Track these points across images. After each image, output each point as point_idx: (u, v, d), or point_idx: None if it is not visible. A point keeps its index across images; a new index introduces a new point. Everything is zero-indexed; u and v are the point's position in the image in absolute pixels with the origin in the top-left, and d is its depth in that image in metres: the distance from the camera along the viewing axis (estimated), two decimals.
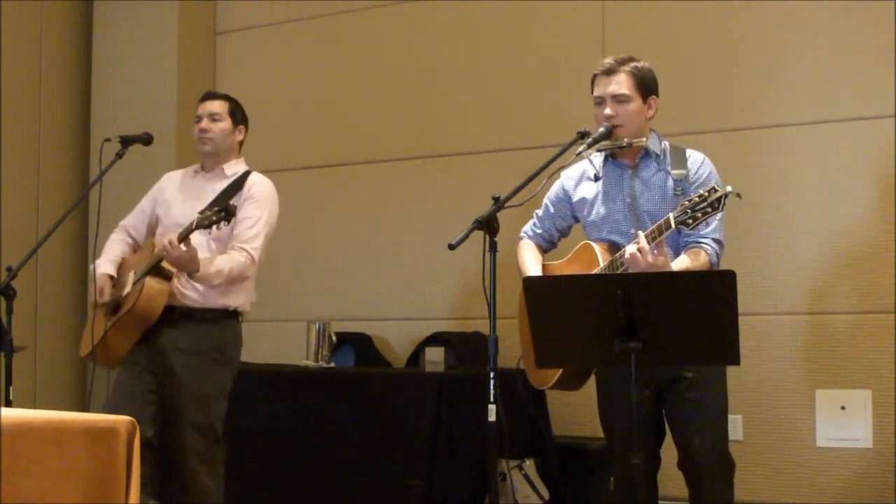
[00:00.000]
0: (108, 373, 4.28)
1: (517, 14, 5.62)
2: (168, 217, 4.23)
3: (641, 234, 3.32)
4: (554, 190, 3.78)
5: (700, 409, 3.42)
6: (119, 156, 4.13)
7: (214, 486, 4.10)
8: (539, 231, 3.83)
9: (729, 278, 2.97)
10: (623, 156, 3.60)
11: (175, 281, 4.05)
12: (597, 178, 3.63)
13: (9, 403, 3.82)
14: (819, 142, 4.90)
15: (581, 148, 3.47)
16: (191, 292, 4.08)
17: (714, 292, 3.02)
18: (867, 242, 4.76)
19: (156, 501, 4.13)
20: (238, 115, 4.37)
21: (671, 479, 3.53)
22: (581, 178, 3.70)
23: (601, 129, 3.50)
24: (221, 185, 4.23)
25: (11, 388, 3.87)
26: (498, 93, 5.64)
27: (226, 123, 4.30)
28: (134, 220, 4.35)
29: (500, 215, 3.32)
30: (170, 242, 3.86)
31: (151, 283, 4.00)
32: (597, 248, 3.57)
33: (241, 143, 4.40)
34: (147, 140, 4.17)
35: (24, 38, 6.16)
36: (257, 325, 6.17)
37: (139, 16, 6.26)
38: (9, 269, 3.96)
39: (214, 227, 3.84)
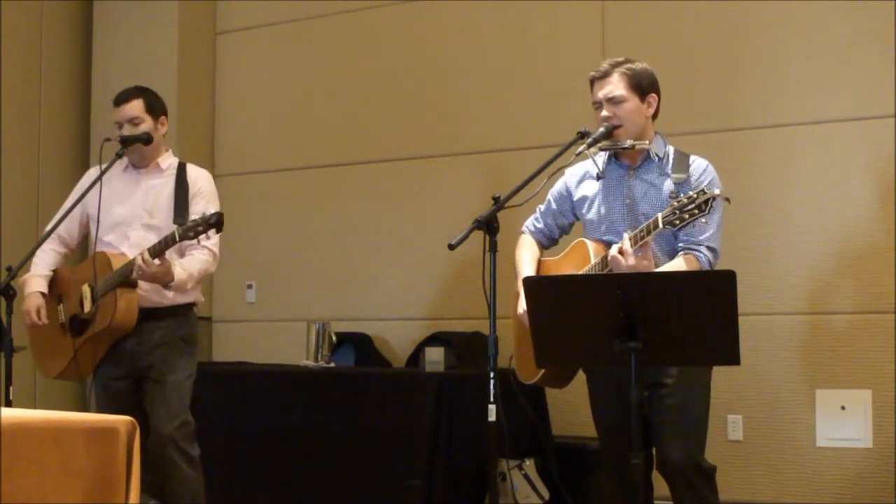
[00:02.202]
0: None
1: (517, 14, 5.62)
2: (108, 217, 4.15)
3: (626, 235, 3.33)
4: (557, 186, 3.79)
5: (678, 415, 3.42)
6: (119, 156, 4.12)
7: (196, 475, 4.12)
8: (540, 226, 3.84)
9: (729, 278, 2.97)
10: (625, 156, 3.60)
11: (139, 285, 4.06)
12: (599, 177, 3.64)
13: (9, 403, 3.82)
14: (819, 142, 4.90)
15: (581, 148, 3.48)
16: (152, 294, 4.08)
17: (714, 292, 3.02)
18: (867, 242, 4.76)
19: (156, 501, 4.14)
20: (156, 106, 4.21)
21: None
22: (584, 177, 3.71)
23: (601, 129, 3.51)
24: (159, 181, 4.20)
25: (11, 388, 3.87)
26: (498, 93, 5.64)
27: (147, 124, 4.16)
28: (66, 226, 4.24)
29: (500, 215, 3.32)
30: (144, 261, 3.86)
31: (123, 295, 3.99)
32: (591, 245, 3.58)
33: (164, 136, 4.27)
34: (147, 140, 4.15)
35: (24, 38, 6.16)
36: (257, 325, 6.19)
37: (139, 16, 6.26)
38: (9, 269, 3.95)
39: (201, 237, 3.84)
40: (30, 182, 6.15)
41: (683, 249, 3.46)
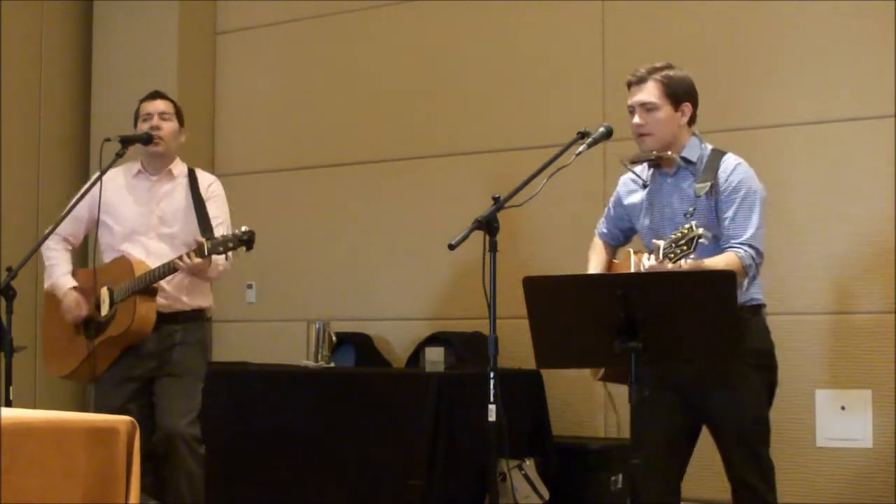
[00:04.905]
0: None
1: (517, 14, 5.62)
2: (121, 224, 4.20)
3: (660, 242, 3.24)
4: (614, 194, 3.81)
5: (735, 420, 3.43)
6: (119, 155, 4.13)
7: (199, 472, 4.16)
8: (604, 230, 3.85)
9: (729, 278, 2.97)
10: (664, 165, 3.59)
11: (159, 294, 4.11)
12: (645, 186, 3.64)
13: (9, 403, 3.82)
14: (819, 142, 4.89)
15: (581, 148, 3.47)
16: (168, 301, 4.13)
17: (714, 292, 3.02)
18: (867, 242, 4.76)
19: (156, 501, 4.15)
20: (181, 117, 4.34)
21: (687, 479, 3.53)
22: (634, 186, 3.71)
23: (601, 129, 3.51)
24: (171, 188, 4.26)
25: (11, 388, 3.87)
26: (497, 93, 5.64)
27: (174, 123, 4.28)
28: (72, 228, 4.28)
29: (500, 215, 3.32)
30: (190, 258, 3.91)
31: (142, 303, 4.04)
32: (633, 256, 3.58)
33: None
34: (147, 140, 4.17)
35: (24, 38, 6.17)
36: (257, 325, 6.19)
37: (139, 16, 6.26)
38: (9, 269, 3.96)
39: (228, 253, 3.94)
40: (30, 182, 6.15)
41: (725, 249, 3.40)
